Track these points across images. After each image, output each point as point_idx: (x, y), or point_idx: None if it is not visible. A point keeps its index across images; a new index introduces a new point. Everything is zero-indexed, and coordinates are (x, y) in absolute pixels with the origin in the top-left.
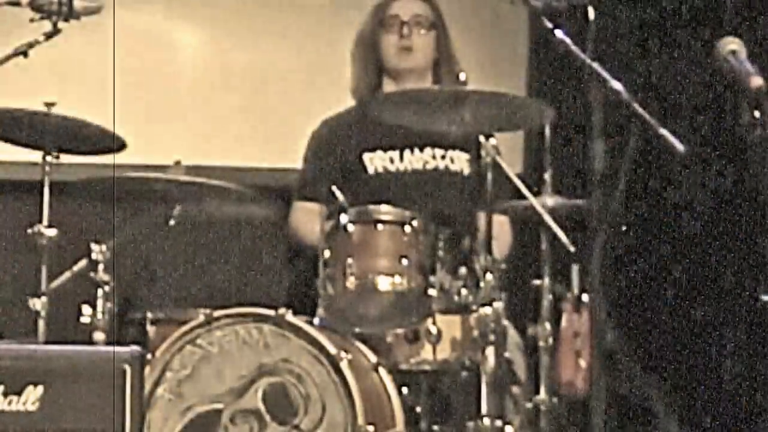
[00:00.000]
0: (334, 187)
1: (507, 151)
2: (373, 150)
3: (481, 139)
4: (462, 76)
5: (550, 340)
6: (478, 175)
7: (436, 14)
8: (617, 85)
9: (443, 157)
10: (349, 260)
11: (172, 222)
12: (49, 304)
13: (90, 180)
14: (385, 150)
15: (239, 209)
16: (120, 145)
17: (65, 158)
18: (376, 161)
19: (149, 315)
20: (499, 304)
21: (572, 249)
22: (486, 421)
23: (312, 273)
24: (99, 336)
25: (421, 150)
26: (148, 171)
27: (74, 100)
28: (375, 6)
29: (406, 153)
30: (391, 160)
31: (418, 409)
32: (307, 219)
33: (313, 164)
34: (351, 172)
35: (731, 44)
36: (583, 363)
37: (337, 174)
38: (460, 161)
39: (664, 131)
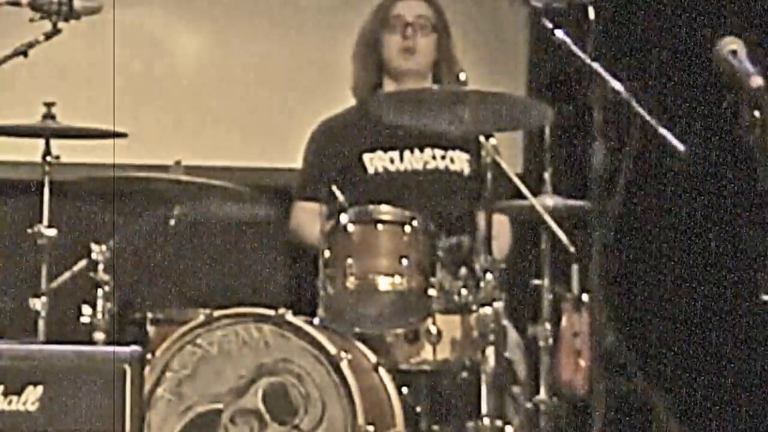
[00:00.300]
0: (334, 187)
1: (507, 151)
2: (373, 150)
3: (481, 139)
4: (462, 76)
5: (550, 340)
6: (478, 175)
7: (438, 16)
8: (617, 85)
9: (443, 157)
10: (349, 260)
11: (172, 222)
12: (49, 304)
13: (90, 180)
14: (385, 150)
15: (239, 209)
16: (120, 133)
17: (65, 158)
18: (376, 161)
19: (149, 315)
20: (499, 304)
21: (572, 249)
22: (486, 421)
23: (312, 273)
24: (99, 336)
25: (421, 150)
26: (148, 171)
27: (74, 100)
28: (378, 5)
29: (406, 153)
30: (391, 161)
31: (418, 409)
32: (308, 219)
33: (312, 164)
34: (351, 172)
35: (731, 44)
36: (583, 363)
37: (336, 174)
38: (460, 161)
39: (664, 131)
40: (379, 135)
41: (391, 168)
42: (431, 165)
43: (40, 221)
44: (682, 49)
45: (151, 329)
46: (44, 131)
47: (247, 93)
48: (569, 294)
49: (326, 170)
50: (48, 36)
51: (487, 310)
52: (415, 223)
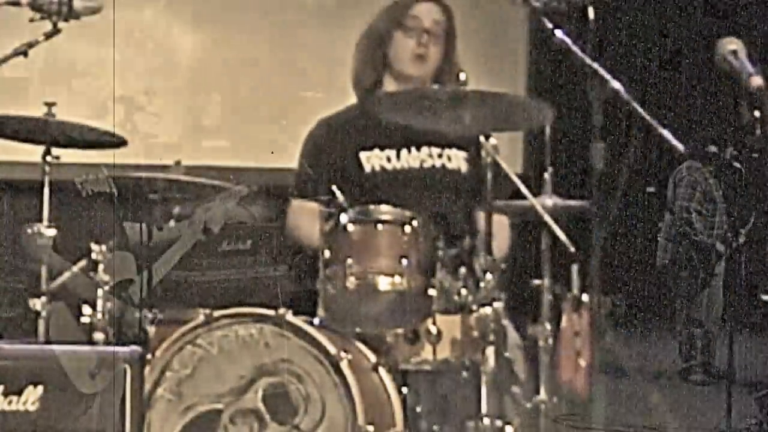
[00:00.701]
0: (334, 187)
1: (507, 151)
2: (369, 149)
3: (481, 139)
4: (462, 76)
5: (550, 340)
6: (475, 173)
7: (450, 22)
8: (617, 85)
9: (440, 155)
10: (349, 260)
11: (172, 222)
12: (49, 304)
13: (90, 180)
14: (381, 149)
15: (239, 209)
16: (120, 142)
17: (65, 158)
18: (373, 160)
19: (149, 315)
20: (499, 304)
21: (572, 249)
22: (486, 421)
23: (312, 273)
24: (99, 336)
25: (418, 148)
26: (148, 171)
27: (74, 100)
28: (393, 3)
29: (403, 152)
30: (388, 159)
31: (418, 409)
32: (304, 218)
33: (309, 163)
34: (348, 171)
35: (731, 44)
36: (583, 363)
37: (333, 173)
38: (457, 159)
39: (664, 131)
40: (375, 133)
41: (388, 166)
42: (428, 163)
43: (40, 221)
44: (682, 49)
45: (151, 329)
46: (45, 132)
47: (246, 93)
48: (569, 294)
49: (322, 169)
50: (48, 36)
51: (487, 310)
52: (415, 223)
